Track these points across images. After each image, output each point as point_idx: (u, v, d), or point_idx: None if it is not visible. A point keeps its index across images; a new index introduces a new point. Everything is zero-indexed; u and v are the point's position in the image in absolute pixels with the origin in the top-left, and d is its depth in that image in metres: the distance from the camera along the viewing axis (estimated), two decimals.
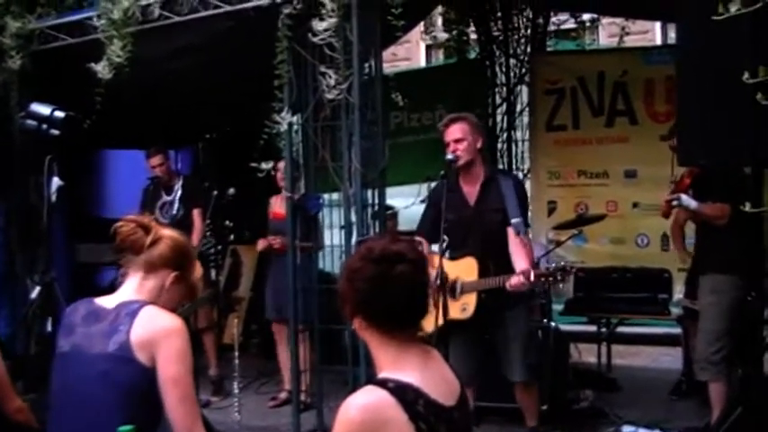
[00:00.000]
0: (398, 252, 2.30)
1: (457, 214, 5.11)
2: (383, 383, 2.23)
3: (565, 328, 7.02)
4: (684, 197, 5.57)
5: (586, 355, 7.47)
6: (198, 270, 3.07)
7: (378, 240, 2.39)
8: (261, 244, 7.09)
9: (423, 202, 5.71)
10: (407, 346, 2.32)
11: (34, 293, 5.35)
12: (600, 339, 7.27)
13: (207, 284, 6.96)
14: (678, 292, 7.12)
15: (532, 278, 4.77)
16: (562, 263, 4.99)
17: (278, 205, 7.10)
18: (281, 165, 6.56)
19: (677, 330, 7.17)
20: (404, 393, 2.20)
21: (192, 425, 2.65)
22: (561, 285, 4.87)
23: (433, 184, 5.49)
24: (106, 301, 2.83)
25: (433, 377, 2.31)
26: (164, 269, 2.84)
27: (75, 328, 2.79)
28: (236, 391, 5.78)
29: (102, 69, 6.02)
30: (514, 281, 4.79)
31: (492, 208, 5.11)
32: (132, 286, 2.84)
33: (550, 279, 4.84)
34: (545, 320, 6.38)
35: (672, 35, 12.04)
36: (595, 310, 7.24)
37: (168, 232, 2.91)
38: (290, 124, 5.79)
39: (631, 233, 8.55)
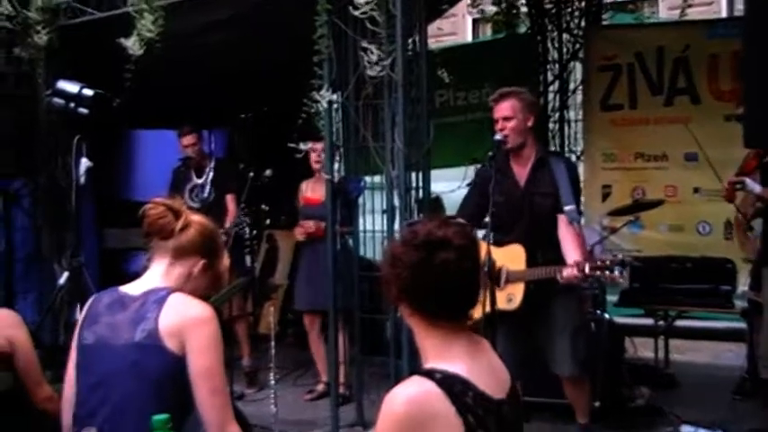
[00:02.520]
0: (443, 238, 2.30)
1: (505, 197, 5.09)
2: (430, 374, 2.23)
3: (619, 320, 6.98)
4: (749, 180, 5.52)
5: (642, 349, 7.43)
6: (226, 260, 3.09)
7: (424, 224, 2.38)
8: (299, 233, 7.14)
9: (469, 186, 5.71)
10: (455, 334, 2.33)
11: (62, 279, 5.40)
12: (657, 333, 7.21)
13: (241, 271, 7.01)
14: (743, 284, 7.06)
15: (587, 271, 4.73)
16: (620, 255, 4.93)
17: (310, 190, 7.17)
18: (319, 146, 6.60)
19: (741, 325, 7.11)
20: (451, 385, 2.21)
21: (222, 420, 2.68)
22: (620, 280, 4.83)
23: (480, 167, 5.48)
24: (131, 288, 2.87)
25: (481, 368, 2.32)
26: (192, 256, 2.88)
27: (99, 318, 2.81)
28: (272, 382, 5.82)
29: (132, 45, 6.06)
30: (567, 273, 4.77)
31: (543, 192, 5.09)
32: (159, 272, 2.87)
33: (606, 273, 4.76)
34: (598, 312, 6.35)
35: (739, 7, 11.87)
36: (652, 301, 7.18)
37: (198, 218, 2.95)
38: (330, 103, 5.81)
39: (692, 220, 8.46)
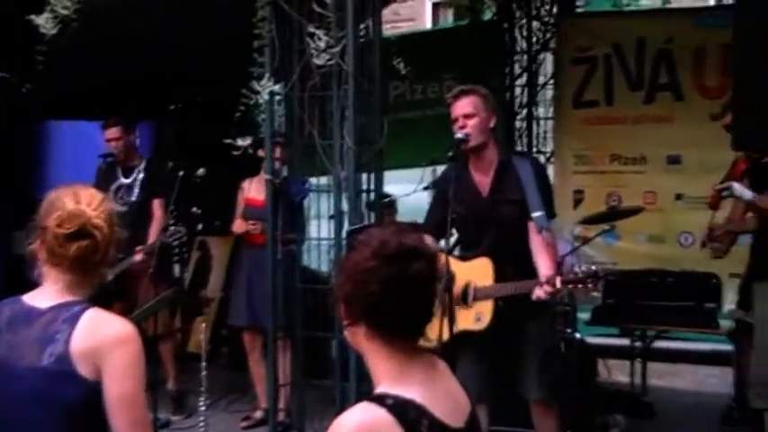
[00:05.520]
0: (414, 247, 2.34)
1: (467, 207, 5.15)
2: (380, 400, 2.24)
3: (592, 340, 7.10)
4: (737, 186, 5.55)
5: (617, 373, 7.48)
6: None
7: (382, 232, 2.40)
8: (238, 225, 7.14)
9: (426, 189, 5.77)
10: (412, 356, 2.36)
11: None
12: (634, 355, 7.25)
13: (168, 282, 6.94)
14: (729, 302, 7.13)
15: (558, 285, 4.78)
16: (593, 267, 4.98)
17: (254, 190, 7.15)
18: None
19: (727, 347, 7.19)
20: (405, 411, 2.22)
21: None
22: (595, 293, 4.88)
23: (441, 169, 5.47)
24: (38, 299, 2.76)
25: (438, 393, 2.33)
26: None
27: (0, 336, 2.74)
28: (203, 408, 5.77)
29: (44, 23, 5.95)
30: (538, 292, 4.82)
31: (509, 199, 5.13)
32: (61, 280, 2.78)
33: (579, 286, 4.83)
34: (568, 330, 6.39)
35: None
36: (629, 320, 7.20)
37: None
38: (272, 94, 5.79)
39: (673, 230, 8.53)
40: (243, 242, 7.33)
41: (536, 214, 4.98)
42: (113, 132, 7.42)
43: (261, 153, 6.62)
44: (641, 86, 8.62)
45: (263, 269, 6.33)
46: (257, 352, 7.11)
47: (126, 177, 7.50)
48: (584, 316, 7.30)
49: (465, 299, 5.09)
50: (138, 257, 6.84)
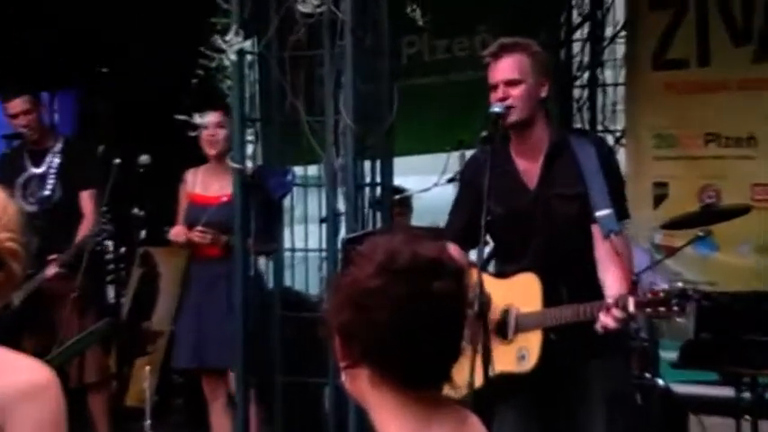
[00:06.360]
0: (435, 260, 2.37)
1: (507, 205, 5.20)
2: None
3: (680, 389, 7.12)
4: None
5: None
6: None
7: (391, 241, 2.42)
8: (176, 233, 7.17)
9: (451, 181, 5.98)
10: (433, 410, 2.39)
11: None
12: (740, 410, 7.19)
13: (100, 309, 7.07)
14: None
15: (632, 309, 4.79)
16: (679, 284, 4.95)
17: (200, 183, 7.24)
18: (213, 116, 6.76)
19: None
20: None
21: None
22: (679, 320, 4.98)
23: (469, 154, 5.61)
24: None
25: None
26: None
27: None
28: None
29: None
30: (605, 319, 4.82)
31: (564, 193, 5.20)
32: None
33: (660, 312, 4.82)
34: (647, 375, 6.48)
35: None
36: (732, 361, 7.12)
37: None
38: (242, 53, 5.92)
39: None
40: (192, 252, 7.35)
41: (602, 213, 5.02)
42: (19, 104, 7.50)
43: (211, 133, 6.80)
44: (749, 39, 8.59)
45: (217, 292, 6.59)
46: (220, 404, 7.17)
47: (36, 166, 7.63)
48: (668, 355, 7.30)
49: (504, 330, 5.11)
50: (50, 271, 6.94)
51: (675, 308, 4.77)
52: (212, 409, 7.30)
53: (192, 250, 7.23)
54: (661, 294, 4.80)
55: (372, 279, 2.33)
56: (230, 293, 6.63)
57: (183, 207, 7.29)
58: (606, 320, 4.80)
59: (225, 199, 6.81)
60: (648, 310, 4.84)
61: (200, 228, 6.96)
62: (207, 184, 7.16)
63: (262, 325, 6.37)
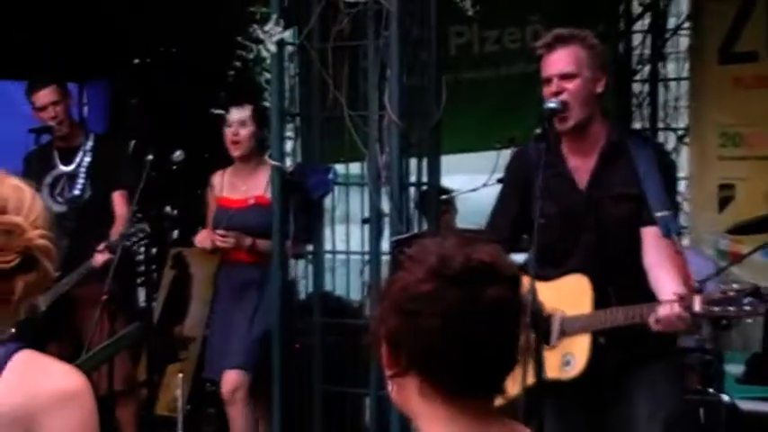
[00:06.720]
0: (490, 265, 2.32)
1: (558, 204, 5.14)
2: None
3: (747, 406, 6.94)
4: None
5: None
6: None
7: (442, 243, 2.36)
8: (201, 238, 7.10)
9: (501, 181, 5.77)
10: (484, 422, 2.35)
11: None
12: None
13: (130, 313, 6.95)
14: None
15: (697, 308, 4.71)
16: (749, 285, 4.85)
17: (227, 186, 7.13)
18: (238, 113, 6.63)
19: None
20: None
21: None
22: (748, 320, 4.81)
23: (516, 152, 5.55)
24: None
25: None
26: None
27: None
28: None
29: None
30: (664, 312, 4.74)
31: (617, 194, 5.14)
32: None
33: (730, 311, 4.74)
34: (710, 390, 6.44)
35: None
36: None
37: None
38: (281, 44, 5.93)
39: None
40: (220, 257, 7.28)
41: (660, 214, 4.95)
42: (47, 95, 7.36)
43: (234, 132, 6.64)
44: None
45: (246, 298, 6.56)
46: (241, 416, 6.96)
47: (66, 164, 7.52)
48: (734, 369, 7.26)
49: (547, 335, 5.05)
50: (99, 258, 6.83)
51: (747, 307, 4.69)
52: (233, 423, 7.09)
53: (222, 255, 7.13)
54: (731, 293, 4.72)
55: (423, 284, 2.29)
56: (259, 300, 6.64)
57: (212, 211, 7.25)
58: (665, 314, 4.72)
59: (251, 202, 6.75)
60: (716, 308, 4.75)
61: (220, 231, 6.86)
62: (233, 187, 7.08)
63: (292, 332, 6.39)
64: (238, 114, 6.55)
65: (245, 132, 6.63)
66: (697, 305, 4.68)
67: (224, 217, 7.00)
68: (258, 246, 6.64)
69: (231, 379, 6.96)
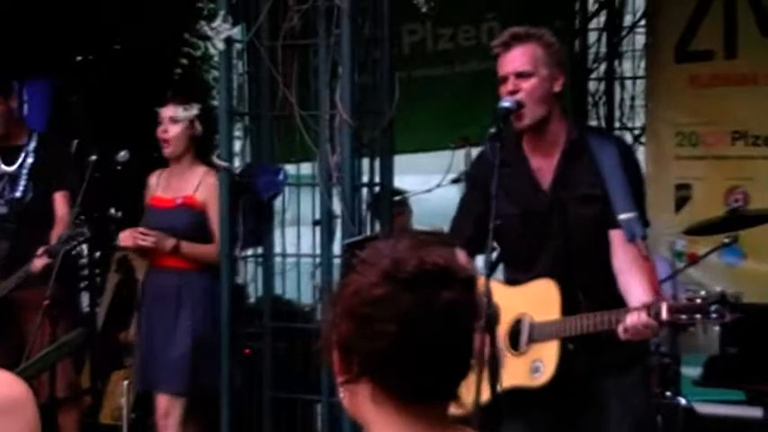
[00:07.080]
0: (444, 268, 2.30)
1: (520, 206, 5.17)
2: None
3: (704, 408, 7.01)
4: None
5: None
6: None
7: (395, 246, 2.36)
8: (125, 237, 6.97)
9: (456, 182, 5.94)
10: (438, 428, 2.36)
11: None
12: None
13: (73, 319, 6.86)
14: None
15: (665, 317, 4.71)
16: (717, 289, 4.87)
17: (162, 185, 7.09)
18: (167, 111, 6.54)
19: None
20: None
21: None
22: (712, 328, 4.80)
23: (476, 152, 5.57)
24: None
25: None
26: None
27: None
28: None
29: None
30: (632, 321, 4.71)
31: (582, 194, 5.14)
32: None
33: (697, 319, 4.73)
34: (668, 393, 6.58)
35: None
36: (759, 378, 7.10)
37: None
38: (229, 41, 5.93)
39: None
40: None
41: (625, 216, 4.96)
42: None
43: (163, 130, 6.62)
44: None
45: (165, 307, 6.59)
46: (172, 423, 6.90)
47: (8, 164, 7.44)
48: (691, 372, 7.29)
49: (515, 341, 5.07)
50: (38, 263, 6.78)
51: (714, 315, 4.70)
52: (160, 425, 7.04)
53: (150, 259, 7.07)
54: (698, 300, 4.74)
55: (376, 288, 2.30)
56: (179, 309, 6.64)
57: (147, 209, 7.22)
58: (633, 323, 4.72)
59: (179, 202, 6.73)
60: (684, 316, 4.77)
61: (140, 229, 6.82)
62: (167, 187, 7.04)
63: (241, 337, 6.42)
64: (169, 111, 6.50)
65: (175, 130, 6.56)
66: (664, 313, 4.69)
67: (152, 217, 6.95)
68: (183, 248, 6.60)
69: (162, 405, 6.94)
